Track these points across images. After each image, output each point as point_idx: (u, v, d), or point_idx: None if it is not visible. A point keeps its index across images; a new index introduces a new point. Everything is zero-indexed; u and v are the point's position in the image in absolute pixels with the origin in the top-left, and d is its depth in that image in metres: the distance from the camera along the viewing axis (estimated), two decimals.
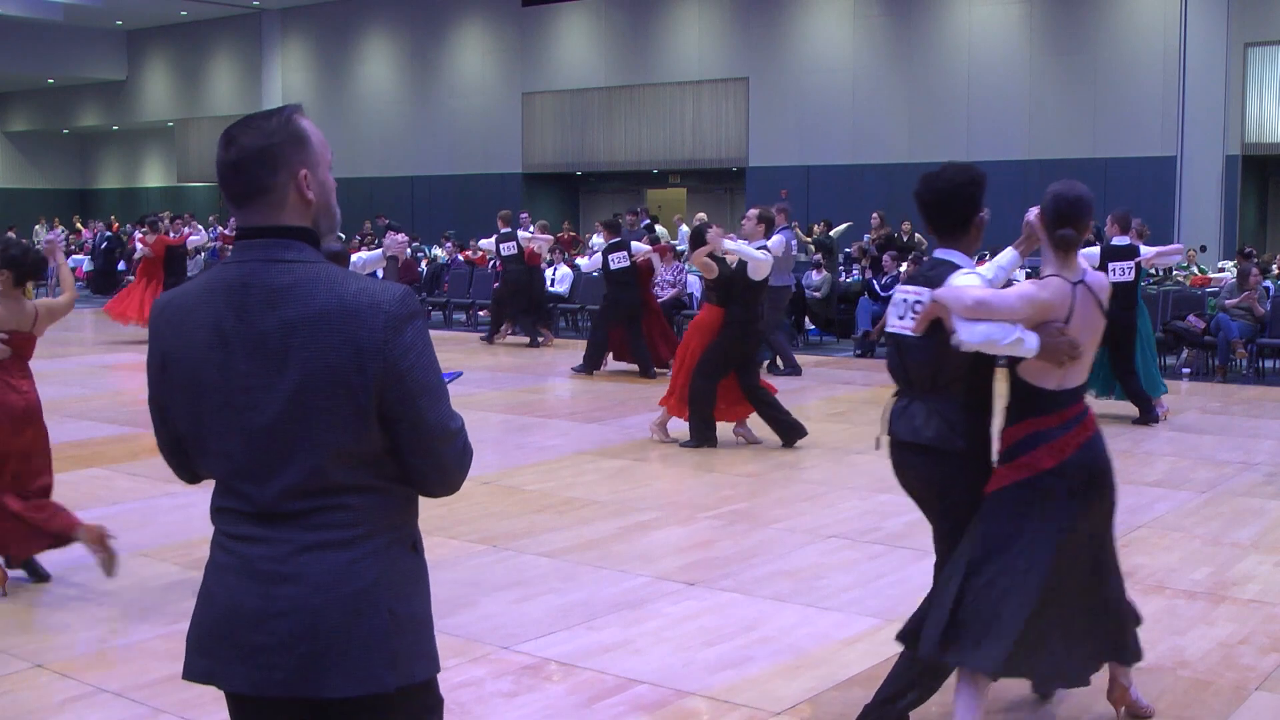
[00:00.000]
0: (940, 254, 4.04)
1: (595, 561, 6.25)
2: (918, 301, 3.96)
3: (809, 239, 18.16)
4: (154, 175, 36.89)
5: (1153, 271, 15.12)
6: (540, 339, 16.21)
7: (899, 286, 4.16)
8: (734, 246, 9.21)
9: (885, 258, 16.22)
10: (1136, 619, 4.19)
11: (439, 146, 27.58)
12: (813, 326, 16.97)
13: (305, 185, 2.17)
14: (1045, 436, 3.85)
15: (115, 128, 35.99)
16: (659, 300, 16.35)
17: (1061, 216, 3.90)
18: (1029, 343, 3.76)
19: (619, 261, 13.28)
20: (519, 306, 16.21)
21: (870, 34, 22.00)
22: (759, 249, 9.00)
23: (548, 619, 5.33)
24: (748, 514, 7.32)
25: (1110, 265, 10.31)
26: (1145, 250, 10.62)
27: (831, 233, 18.00)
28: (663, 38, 24.60)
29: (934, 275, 3.96)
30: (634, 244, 13.66)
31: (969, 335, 3.77)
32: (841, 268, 17.71)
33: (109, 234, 26.00)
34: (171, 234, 17.38)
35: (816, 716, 4.37)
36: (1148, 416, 10.38)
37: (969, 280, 3.85)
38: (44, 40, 31.33)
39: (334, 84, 29.03)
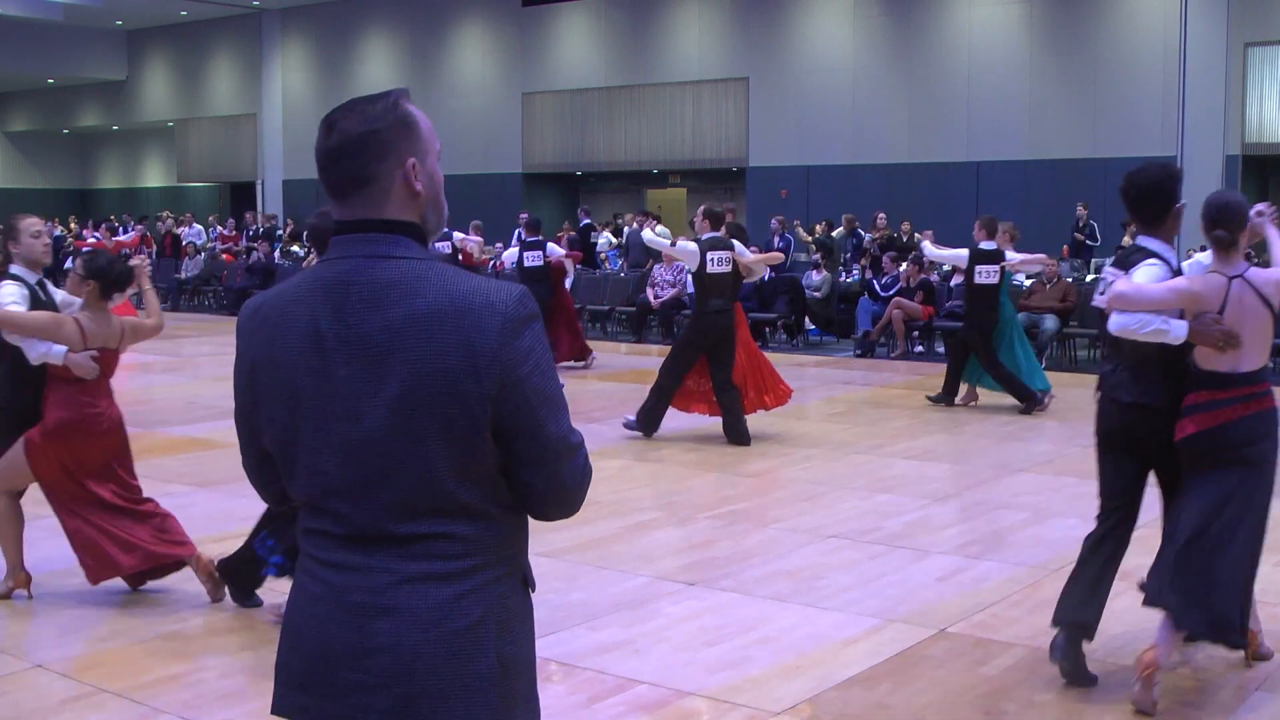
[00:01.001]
0: (1141, 241, 4.51)
1: (595, 561, 6.25)
2: (1113, 282, 4.43)
3: (809, 239, 18.15)
4: (154, 175, 36.87)
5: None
6: None
7: (1106, 267, 4.67)
8: (649, 239, 11.25)
9: (885, 258, 16.22)
10: (1231, 600, 4.27)
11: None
12: (813, 326, 16.96)
13: (413, 175, 2.00)
14: (1199, 408, 4.30)
15: (115, 128, 35.95)
16: (658, 300, 16.45)
17: (1214, 220, 4.40)
18: (1175, 331, 4.22)
19: (532, 260, 13.79)
20: None
21: (870, 34, 21.99)
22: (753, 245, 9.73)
23: (548, 619, 5.32)
24: (748, 514, 7.32)
25: (976, 268, 10.76)
26: (1011, 255, 10.88)
27: (833, 233, 18.00)
28: (663, 38, 24.59)
29: (1130, 260, 4.48)
30: (549, 245, 14.22)
31: (1110, 323, 4.30)
32: (841, 268, 17.70)
33: (56, 233, 25.94)
34: (123, 233, 17.98)
35: (816, 716, 4.37)
36: (1028, 405, 10.66)
37: (1146, 271, 4.34)
38: (44, 40, 31.28)
39: (334, 84, 28.99)
